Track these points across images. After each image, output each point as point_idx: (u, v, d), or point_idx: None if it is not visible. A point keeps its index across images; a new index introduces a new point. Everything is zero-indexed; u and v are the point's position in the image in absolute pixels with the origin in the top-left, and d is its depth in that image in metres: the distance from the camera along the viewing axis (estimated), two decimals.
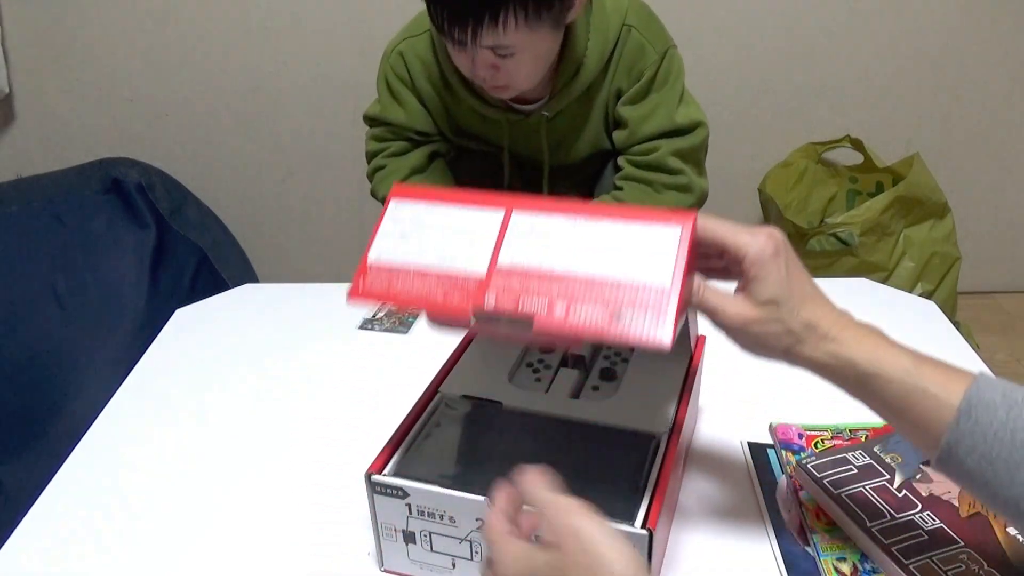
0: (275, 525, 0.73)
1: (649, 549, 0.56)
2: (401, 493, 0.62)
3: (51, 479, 0.79)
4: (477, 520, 0.60)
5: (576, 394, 0.73)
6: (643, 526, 0.56)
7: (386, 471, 0.63)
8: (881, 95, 1.82)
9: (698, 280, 0.60)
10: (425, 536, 0.63)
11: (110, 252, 1.51)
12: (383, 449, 0.65)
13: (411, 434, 0.68)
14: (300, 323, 1.05)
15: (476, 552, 0.62)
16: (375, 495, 0.63)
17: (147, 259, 1.53)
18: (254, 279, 1.76)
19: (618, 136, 1.19)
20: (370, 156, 1.27)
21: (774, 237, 0.57)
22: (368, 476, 0.62)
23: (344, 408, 0.87)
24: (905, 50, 1.78)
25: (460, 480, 0.62)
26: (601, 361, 0.77)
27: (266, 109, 1.79)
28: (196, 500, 0.76)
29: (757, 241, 0.57)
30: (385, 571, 0.67)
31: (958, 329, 1.00)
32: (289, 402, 0.90)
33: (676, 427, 0.67)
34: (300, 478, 0.78)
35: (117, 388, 0.93)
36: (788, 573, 0.65)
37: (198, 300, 1.11)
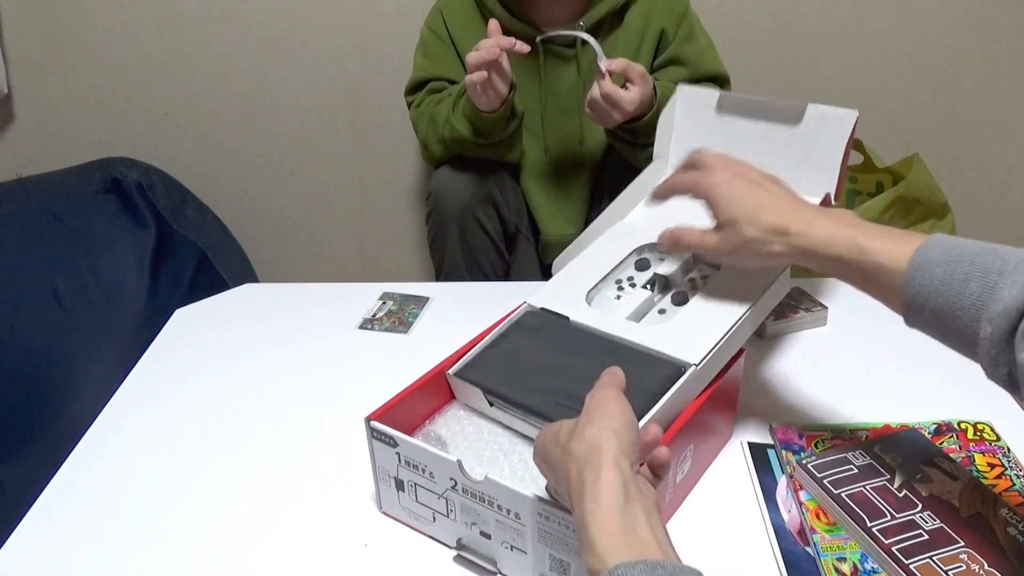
0: (273, 524, 0.73)
1: None
2: (392, 442, 0.66)
3: (51, 479, 0.79)
4: (451, 480, 0.64)
5: (640, 317, 0.76)
6: None
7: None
8: (881, 95, 1.82)
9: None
10: (412, 486, 0.68)
11: (110, 252, 1.50)
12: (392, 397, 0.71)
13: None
14: (300, 323, 1.05)
15: (451, 510, 0.66)
16: (373, 440, 0.68)
17: (147, 259, 1.53)
18: (254, 279, 1.76)
19: (676, 73, 1.24)
20: (414, 122, 1.30)
21: (717, 168, 0.69)
22: (367, 421, 0.67)
23: (344, 408, 0.87)
24: (905, 50, 1.78)
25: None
26: (684, 284, 0.81)
27: (266, 109, 1.79)
28: (196, 499, 0.76)
29: (704, 176, 0.69)
30: (383, 512, 0.73)
31: None
32: (289, 402, 0.90)
33: (708, 361, 0.69)
34: (299, 478, 0.78)
35: (117, 388, 0.93)
36: (788, 573, 0.65)
37: (198, 300, 1.11)
